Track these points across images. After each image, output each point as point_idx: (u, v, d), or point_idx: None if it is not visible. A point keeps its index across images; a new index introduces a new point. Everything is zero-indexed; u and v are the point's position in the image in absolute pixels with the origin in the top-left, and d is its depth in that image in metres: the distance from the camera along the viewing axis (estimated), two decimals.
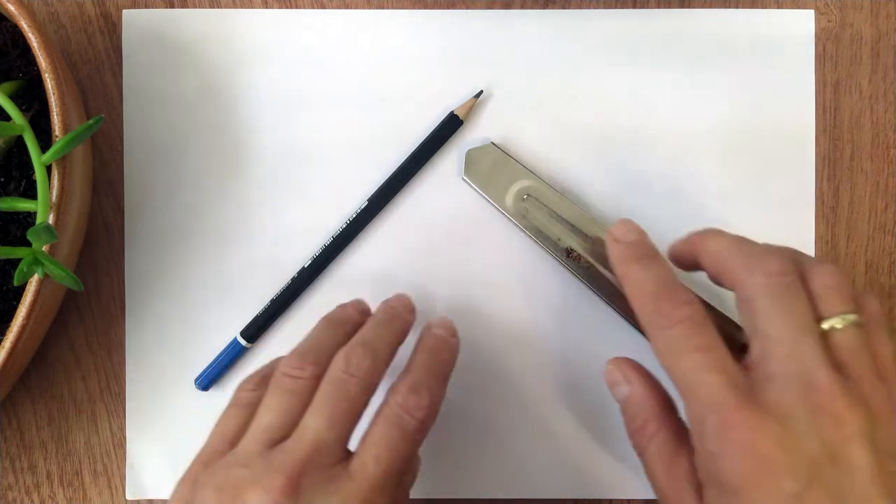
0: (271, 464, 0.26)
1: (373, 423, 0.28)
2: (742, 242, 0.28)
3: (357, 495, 0.26)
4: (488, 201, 0.36)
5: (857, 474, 0.23)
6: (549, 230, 0.35)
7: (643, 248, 0.30)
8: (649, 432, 0.28)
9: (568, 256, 0.35)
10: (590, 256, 0.35)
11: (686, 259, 0.30)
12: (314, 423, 0.27)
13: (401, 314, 0.32)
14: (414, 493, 0.37)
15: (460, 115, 0.36)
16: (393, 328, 0.31)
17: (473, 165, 0.36)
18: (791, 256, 0.28)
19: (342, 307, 0.33)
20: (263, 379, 0.31)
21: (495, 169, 0.36)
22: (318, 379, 0.29)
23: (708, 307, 0.33)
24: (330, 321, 0.32)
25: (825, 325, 0.26)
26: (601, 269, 0.35)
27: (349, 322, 0.32)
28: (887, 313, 0.37)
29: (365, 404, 0.28)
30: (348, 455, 0.28)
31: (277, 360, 0.32)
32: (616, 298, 0.35)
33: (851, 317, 0.26)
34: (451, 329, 0.32)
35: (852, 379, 0.25)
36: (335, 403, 0.27)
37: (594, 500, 0.37)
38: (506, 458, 0.37)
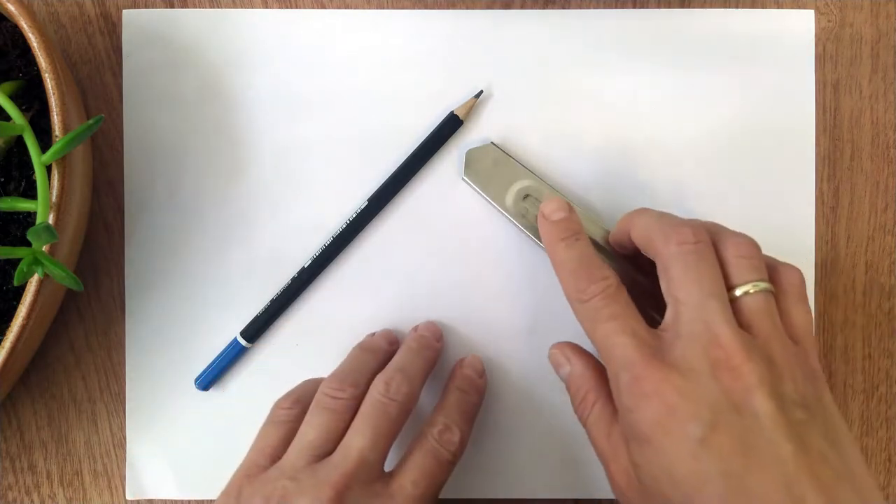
0: (318, 476, 0.28)
1: (411, 451, 0.31)
2: (663, 216, 0.30)
3: None
4: (488, 201, 0.36)
5: (762, 420, 0.24)
6: None
7: (568, 226, 0.32)
8: (589, 403, 0.30)
9: None
10: None
11: (623, 239, 0.32)
12: (359, 442, 0.29)
13: (430, 343, 0.35)
14: None
15: (460, 115, 0.36)
16: (424, 356, 0.34)
17: (473, 165, 0.36)
18: (706, 228, 0.29)
19: (371, 337, 0.36)
20: (297, 399, 0.33)
21: (495, 169, 0.36)
22: (356, 400, 0.31)
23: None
24: (363, 349, 0.34)
25: (738, 292, 0.28)
26: None
27: (380, 351, 0.34)
28: (886, 313, 0.37)
29: (401, 427, 0.31)
30: (384, 475, 0.30)
31: (309, 382, 0.34)
32: None
33: (763, 284, 0.28)
34: (479, 369, 0.35)
35: (759, 338, 0.27)
36: (377, 424, 0.30)
37: (595, 500, 0.37)
38: (506, 458, 0.37)
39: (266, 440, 0.31)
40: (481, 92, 0.37)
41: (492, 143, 0.36)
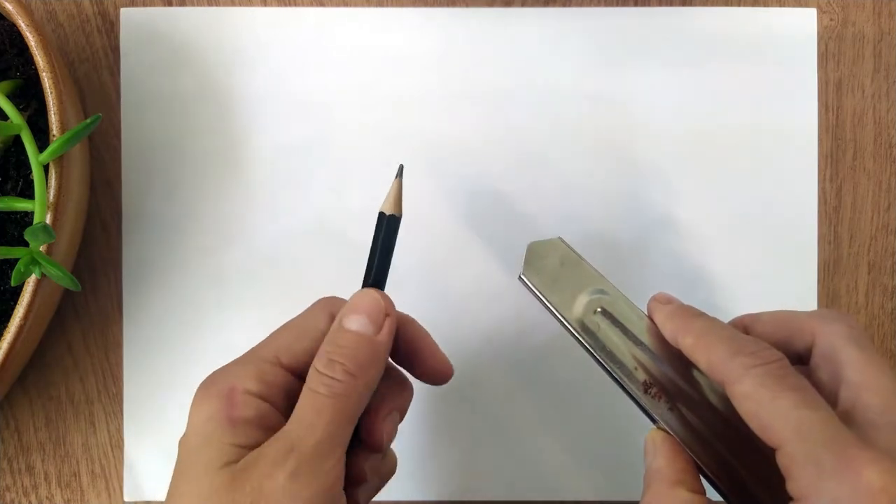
0: None
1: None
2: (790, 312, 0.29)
3: None
4: (550, 309, 0.30)
5: None
6: (625, 356, 0.29)
7: (696, 309, 0.29)
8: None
9: (645, 392, 0.28)
10: (674, 395, 0.28)
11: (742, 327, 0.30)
12: None
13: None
14: (416, 494, 0.37)
15: (392, 210, 0.28)
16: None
17: (536, 263, 0.30)
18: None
19: None
20: None
21: (562, 270, 0.30)
22: None
23: None
24: None
25: None
26: (685, 411, 0.27)
27: None
28: (889, 314, 0.37)
29: None
30: None
31: None
32: (706, 444, 0.27)
33: None
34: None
35: None
36: None
37: (595, 502, 0.37)
38: (509, 459, 0.37)
39: None
40: (402, 167, 0.29)
41: (559, 238, 0.31)
